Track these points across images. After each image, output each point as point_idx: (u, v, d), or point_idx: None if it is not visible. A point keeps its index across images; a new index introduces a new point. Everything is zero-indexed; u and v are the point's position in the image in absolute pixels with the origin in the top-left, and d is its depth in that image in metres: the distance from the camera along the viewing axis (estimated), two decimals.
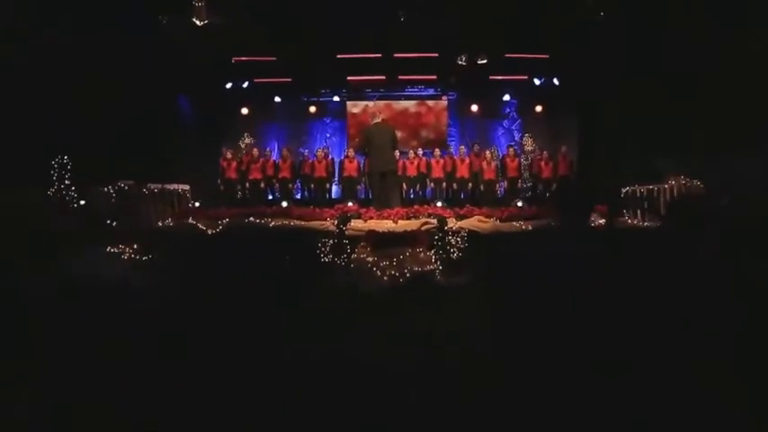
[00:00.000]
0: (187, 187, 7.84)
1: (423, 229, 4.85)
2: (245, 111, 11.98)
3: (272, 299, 4.11)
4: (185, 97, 10.22)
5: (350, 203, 8.50)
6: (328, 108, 12.29)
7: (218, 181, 9.95)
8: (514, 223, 5.09)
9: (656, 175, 6.32)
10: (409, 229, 4.77)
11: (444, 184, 9.61)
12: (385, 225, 5.03)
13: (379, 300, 4.04)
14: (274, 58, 9.04)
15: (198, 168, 10.20)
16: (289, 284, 4.40)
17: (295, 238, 4.94)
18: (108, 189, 5.99)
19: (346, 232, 4.79)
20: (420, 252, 4.36)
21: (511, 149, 9.82)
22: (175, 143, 9.49)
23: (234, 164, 9.56)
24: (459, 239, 4.59)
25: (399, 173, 7.48)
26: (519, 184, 9.44)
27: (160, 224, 5.72)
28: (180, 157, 9.60)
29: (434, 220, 4.91)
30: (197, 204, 8.69)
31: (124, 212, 5.83)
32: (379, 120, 6.79)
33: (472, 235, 4.78)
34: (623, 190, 6.74)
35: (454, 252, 4.49)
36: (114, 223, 5.63)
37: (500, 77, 10.38)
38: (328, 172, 9.77)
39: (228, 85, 10.54)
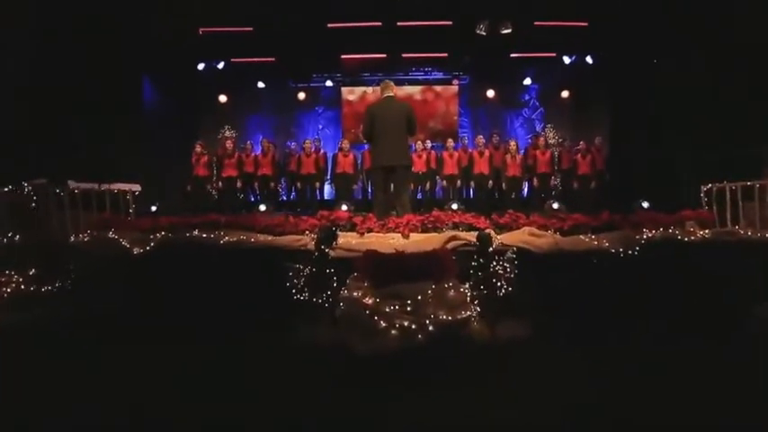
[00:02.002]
0: (137, 188, 6.14)
1: (449, 247, 3.17)
2: (223, 98, 10.35)
3: (198, 372, 2.47)
4: (148, 79, 8.57)
5: (344, 207, 6.82)
6: (320, 95, 10.66)
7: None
8: (582, 237, 3.42)
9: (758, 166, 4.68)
10: (428, 248, 3.11)
11: (459, 181, 7.93)
12: (391, 242, 3.36)
13: (383, 375, 2.40)
14: (251, 29, 7.36)
15: (164, 166, 8.55)
16: (230, 345, 2.76)
17: (252, 264, 3.26)
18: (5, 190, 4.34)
19: (332, 254, 3.11)
20: (448, 288, 2.71)
21: (541, 139, 8.14)
22: (134, 134, 7.82)
23: (204, 159, 7.87)
24: (507, 265, 2.94)
25: None
26: (552, 182, 7.76)
27: (73, 239, 4.04)
28: (140, 152, 7.95)
29: (468, 234, 3.23)
30: (153, 209, 7.02)
31: (23, 222, 4.16)
32: (390, 94, 4.79)
33: (524, 257, 3.12)
34: (703, 188, 5.09)
35: (502, 286, 2.84)
36: (4, 239, 3.96)
37: (522, 55, 8.71)
38: (318, 168, 8.09)
39: (201, 66, 8.87)
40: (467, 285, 2.88)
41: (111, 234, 3.90)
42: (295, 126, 10.73)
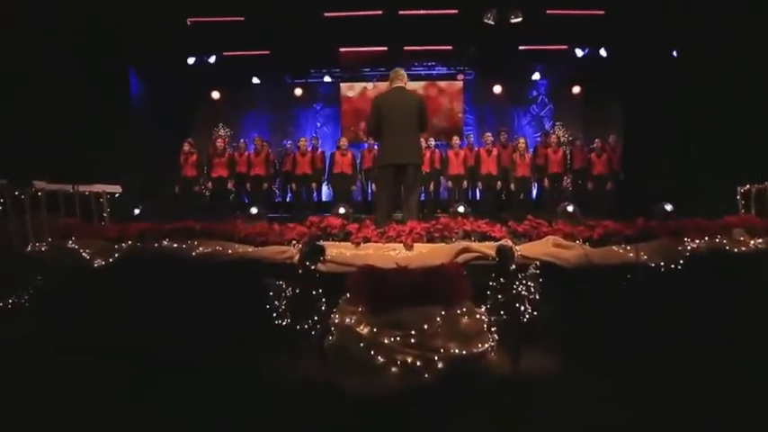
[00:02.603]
0: (117, 189, 5.66)
1: (460, 261, 2.67)
2: (216, 95, 9.88)
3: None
4: (135, 74, 8.09)
5: (341, 210, 6.32)
6: (318, 91, 10.17)
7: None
8: (615, 248, 2.92)
9: None
10: (435, 261, 2.62)
11: (465, 182, 7.43)
12: (391, 254, 2.87)
13: (379, 422, 1.92)
14: (242, 18, 6.86)
15: (153, 165, 8.07)
16: (196, 375, 2.29)
17: (227, 280, 2.77)
18: None
19: (321, 270, 2.62)
20: (461, 314, 2.21)
21: (552, 137, 7.62)
22: (119, 131, 7.34)
23: (192, 158, 7.38)
24: (531, 284, 2.45)
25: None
26: (565, 183, 7.24)
27: (30, 248, 3.55)
28: (126, 149, 7.46)
29: (482, 246, 2.72)
30: (136, 212, 6.54)
31: None
32: (400, 84, 4.19)
33: (549, 272, 2.62)
34: (740, 189, 4.58)
35: (526, 310, 2.34)
36: None
37: (532, 48, 8.19)
38: (315, 168, 7.59)
39: (191, 60, 8.39)
40: (483, 309, 2.37)
41: (70, 243, 3.41)
42: (292, 124, 10.25)
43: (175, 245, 3.18)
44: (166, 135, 8.43)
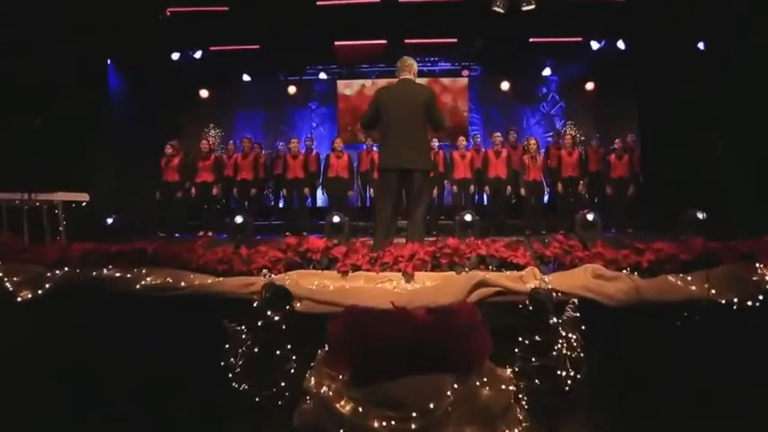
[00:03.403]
0: (84, 198, 5.06)
1: (475, 298, 2.05)
2: (204, 93, 9.28)
3: None
4: (115, 67, 7.49)
5: (335, 218, 5.70)
6: (314, 89, 9.57)
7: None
8: (671, 278, 2.29)
9: None
10: (443, 299, 2.00)
11: (472, 187, 6.79)
12: (387, 287, 2.25)
13: None
14: (226, 8, 6.26)
15: (135, 169, 7.46)
16: None
17: (177, 321, 2.16)
18: None
19: (293, 311, 2.00)
20: (480, 385, 1.59)
21: (567, 137, 6.98)
22: (94, 131, 6.73)
23: (175, 161, 6.77)
24: (571, 335, 1.82)
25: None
26: (580, 187, 6.59)
27: None
28: (101, 152, 6.87)
29: (503, 277, 2.10)
30: (109, 221, 5.93)
31: None
32: (407, 76, 3.53)
33: (589, 311, 2.01)
34: None
35: (568, 374, 1.72)
36: None
37: (543, 40, 7.56)
38: (308, 172, 6.96)
39: (176, 56, 7.78)
40: (508, 372, 1.75)
41: None
42: (286, 124, 9.65)
43: (118, 274, 2.56)
44: (150, 136, 7.82)
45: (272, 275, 2.48)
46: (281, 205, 7.94)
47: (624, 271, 2.30)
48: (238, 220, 5.81)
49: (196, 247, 2.63)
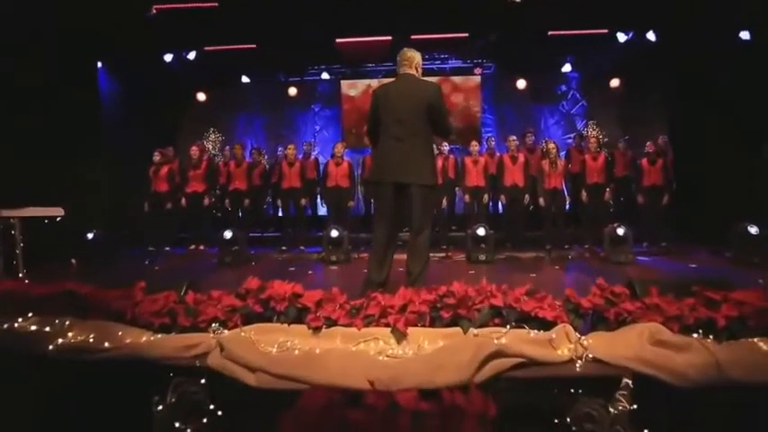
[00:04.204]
0: (58, 212, 4.59)
1: (486, 372, 1.45)
2: (202, 96, 8.83)
3: None
4: (105, 70, 7.07)
5: (333, 232, 5.13)
6: (316, 90, 9.04)
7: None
8: (759, 342, 1.69)
9: None
10: (442, 379, 1.42)
11: (486, 195, 6.16)
12: (368, 352, 1.69)
13: None
14: (215, 4, 5.75)
15: (126, 178, 7.01)
16: None
17: (97, 394, 1.62)
18: None
19: (252, 383, 1.43)
20: None
21: (592, 139, 6.29)
22: (80, 136, 6.28)
23: (164, 170, 6.29)
24: (620, 429, 1.25)
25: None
26: (606, 196, 5.90)
27: None
28: (88, 160, 6.43)
29: (524, 343, 1.51)
30: (89, 236, 5.47)
31: None
32: (408, 71, 2.96)
33: (647, 393, 1.41)
34: None
35: None
36: None
37: (564, 33, 6.89)
38: (306, 180, 6.42)
39: (168, 57, 7.32)
40: None
41: None
42: (287, 128, 9.13)
43: (34, 327, 2.04)
44: (144, 142, 7.36)
45: (224, 331, 1.93)
46: (280, 214, 7.44)
47: (695, 334, 1.69)
48: (227, 234, 5.30)
49: (134, 293, 2.09)
